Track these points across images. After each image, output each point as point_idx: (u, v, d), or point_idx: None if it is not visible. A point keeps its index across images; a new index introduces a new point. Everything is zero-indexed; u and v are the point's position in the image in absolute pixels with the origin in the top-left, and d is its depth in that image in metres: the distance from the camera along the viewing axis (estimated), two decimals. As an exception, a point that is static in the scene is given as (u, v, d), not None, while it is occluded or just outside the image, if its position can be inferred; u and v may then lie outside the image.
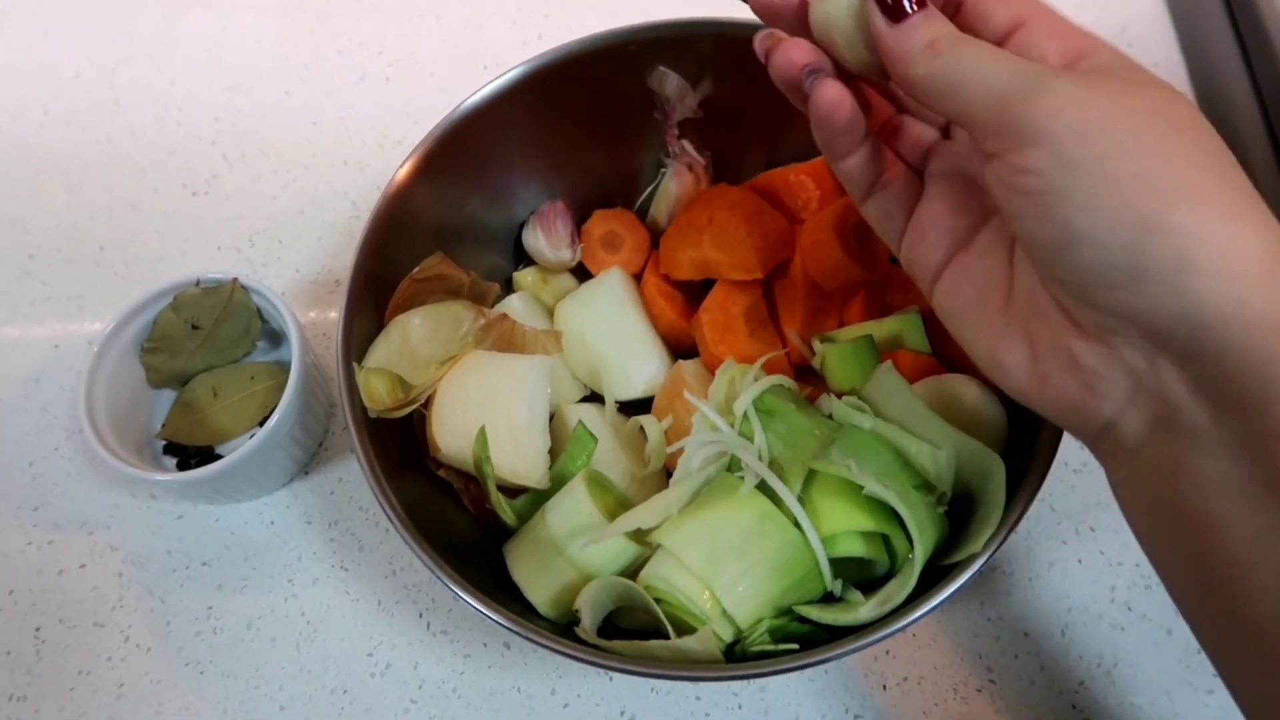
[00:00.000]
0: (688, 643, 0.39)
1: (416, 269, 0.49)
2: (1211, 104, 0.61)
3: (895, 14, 0.31)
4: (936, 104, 0.31)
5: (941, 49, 0.30)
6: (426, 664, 0.50)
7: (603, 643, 0.41)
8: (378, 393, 0.44)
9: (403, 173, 0.47)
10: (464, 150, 0.50)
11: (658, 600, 0.41)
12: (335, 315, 0.45)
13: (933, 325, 0.43)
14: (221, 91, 0.68)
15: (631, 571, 0.43)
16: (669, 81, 0.53)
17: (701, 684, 0.48)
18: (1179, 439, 0.29)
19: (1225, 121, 0.60)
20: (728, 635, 0.40)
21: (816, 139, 0.35)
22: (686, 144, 0.55)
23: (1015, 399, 0.33)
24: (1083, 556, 0.51)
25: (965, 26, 0.32)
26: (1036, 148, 0.28)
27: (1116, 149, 0.27)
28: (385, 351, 0.47)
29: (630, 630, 0.43)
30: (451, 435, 0.46)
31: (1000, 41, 0.31)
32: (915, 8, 0.31)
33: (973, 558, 0.38)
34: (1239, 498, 0.28)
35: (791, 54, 0.34)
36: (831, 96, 0.33)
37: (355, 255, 0.46)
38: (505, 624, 0.39)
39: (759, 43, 0.36)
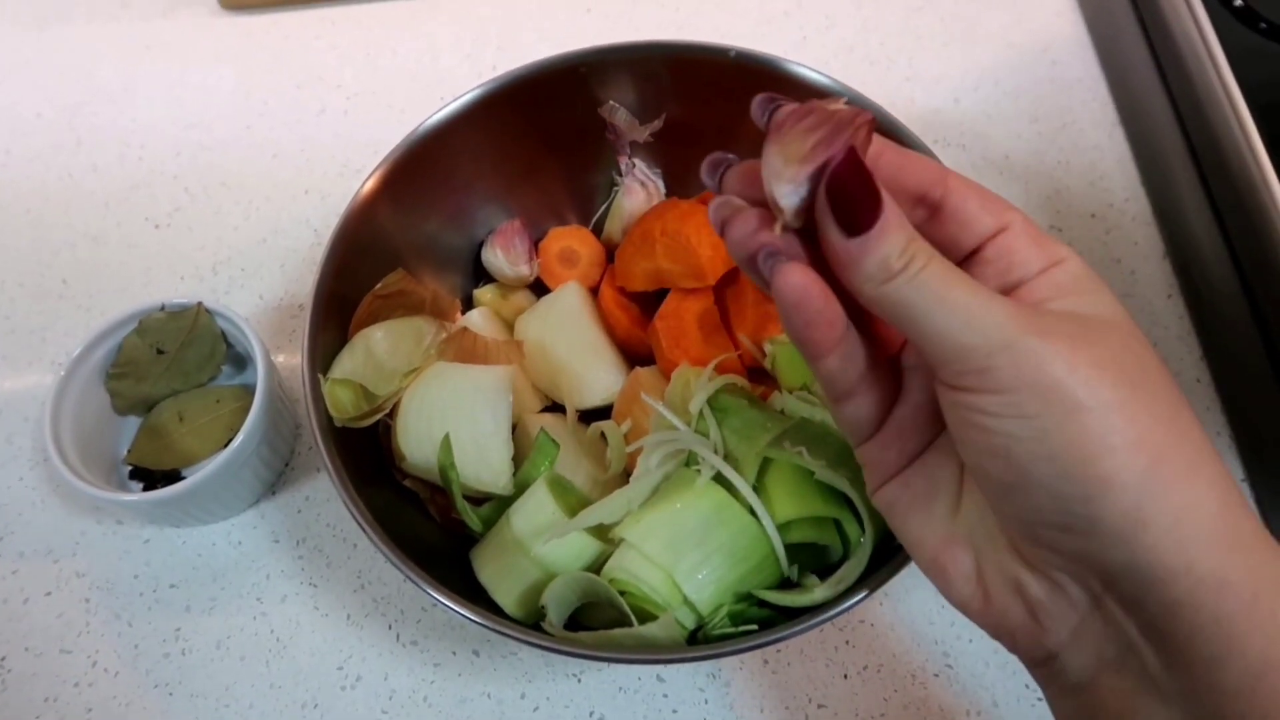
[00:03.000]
0: (651, 629, 0.40)
1: (379, 285, 0.50)
2: (1131, 115, 0.65)
3: (852, 229, 0.27)
4: (888, 320, 0.28)
5: (896, 272, 0.26)
6: (397, 674, 0.50)
7: (568, 634, 0.42)
8: (342, 402, 0.45)
9: (365, 191, 0.49)
10: (424, 171, 0.51)
11: (622, 593, 0.42)
12: (299, 338, 0.46)
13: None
14: (183, 128, 0.69)
15: (594, 569, 0.44)
16: (619, 115, 0.55)
17: (669, 682, 0.49)
18: (1128, 681, 0.28)
19: (1144, 130, 0.63)
20: (690, 622, 0.41)
21: (787, 333, 0.29)
22: (639, 163, 0.57)
23: (958, 610, 0.30)
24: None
25: (943, 236, 0.30)
26: (996, 395, 0.26)
27: (1076, 407, 0.25)
28: (350, 364, 0.48)
29: (596, 628, 0.44)
30: (416, 444, 0.47)
31: (981, 245, 0.29)
32: (874, 219, 0.26)
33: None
34: None
35: (748, 228, 0.29)
36: (795, 282, 0.28)
37: (319, 271, 0.47)
38: (474, 618, 0.40)
39: (714, 212, 0.30)
